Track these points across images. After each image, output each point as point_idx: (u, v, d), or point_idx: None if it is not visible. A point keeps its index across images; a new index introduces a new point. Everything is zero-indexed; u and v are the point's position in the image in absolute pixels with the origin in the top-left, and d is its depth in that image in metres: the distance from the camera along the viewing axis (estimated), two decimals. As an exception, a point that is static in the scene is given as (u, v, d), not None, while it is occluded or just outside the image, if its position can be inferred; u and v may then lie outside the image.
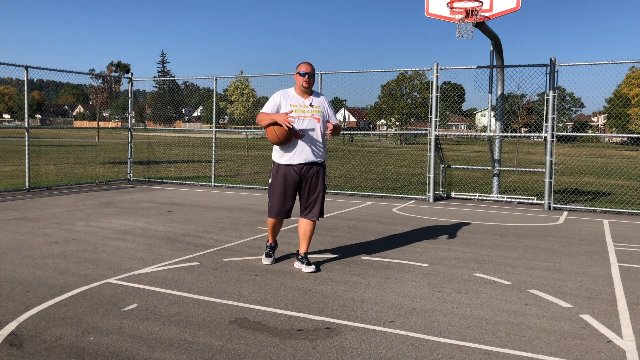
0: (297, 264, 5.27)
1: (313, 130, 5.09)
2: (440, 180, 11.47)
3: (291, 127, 4.90)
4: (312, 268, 5.13)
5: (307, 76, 5.08)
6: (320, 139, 5.15)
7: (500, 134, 10.86)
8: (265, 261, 5.39)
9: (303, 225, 5.28)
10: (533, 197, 10.72)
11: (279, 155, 5.17)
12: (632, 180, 16.79)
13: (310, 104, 5.13)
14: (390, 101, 60.06)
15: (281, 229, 7.23)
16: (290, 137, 5.00)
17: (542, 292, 4.64)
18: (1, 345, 3.27)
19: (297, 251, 5.38)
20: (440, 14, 10.04)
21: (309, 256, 5.55)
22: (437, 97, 10.74)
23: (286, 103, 5.09)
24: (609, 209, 9.82)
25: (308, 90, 5.15)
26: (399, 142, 50.73)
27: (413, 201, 10.77)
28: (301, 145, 5.07)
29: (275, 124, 4.94)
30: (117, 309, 3.94)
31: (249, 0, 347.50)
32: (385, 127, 62.30)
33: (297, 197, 5.29)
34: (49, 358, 3.11)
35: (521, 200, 10.71)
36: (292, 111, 5.00)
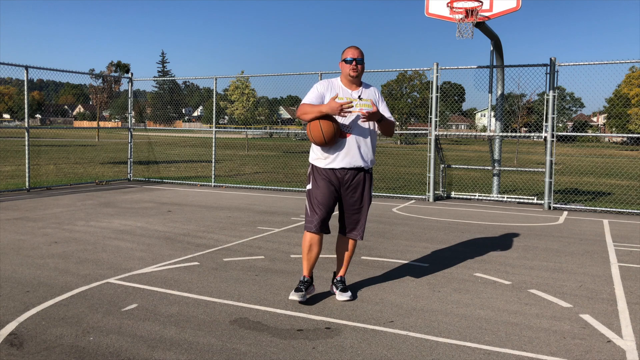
0: (334, 289, 4.43)
1: (361, 127, 4.19)
2: (440, 180, 11.47)
3: (346, 116, 4.11)
4: (346, 296, 4.30)
5: (354, 63, 4.18)
6: (369, 140, 4.25)
7: (500, 133, 10.86)
8: (294, 296, 4.17)
9: (344, 244, 4.44)
10: (533, 197, 10.72)
11: (317, 157, 4.28)
12: (632, 180, 16.79)
13: (359, 96, 4.24)
14: (390, 101, 60.07)
15: (281, 229, 7.24)
16: (337, 137, 4.13)
17: (542, 292, 4.64)
18: (1, 345, 3.27)
19: (334, 273, 4.55)
20: (440, 13, 10.05)
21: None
22: (437, 97, 10.74)
23: (330, 96, 4.20)
24: (609, 209, 9.82)
25: (356, 81, 4.26)
26: (398, 142, 50.73)
27: (413, 201, 10.77)
28: (347, 146, 4.18)
29: (324, 117, 4.05)
30: (117, 309, 3.94)
31: (249, 0, 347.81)
32: (385, 127, 62.21)
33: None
34: (49, 358, 3.11)
35: (521, 200, 10.71)
36: (337, 95, 4.15)
